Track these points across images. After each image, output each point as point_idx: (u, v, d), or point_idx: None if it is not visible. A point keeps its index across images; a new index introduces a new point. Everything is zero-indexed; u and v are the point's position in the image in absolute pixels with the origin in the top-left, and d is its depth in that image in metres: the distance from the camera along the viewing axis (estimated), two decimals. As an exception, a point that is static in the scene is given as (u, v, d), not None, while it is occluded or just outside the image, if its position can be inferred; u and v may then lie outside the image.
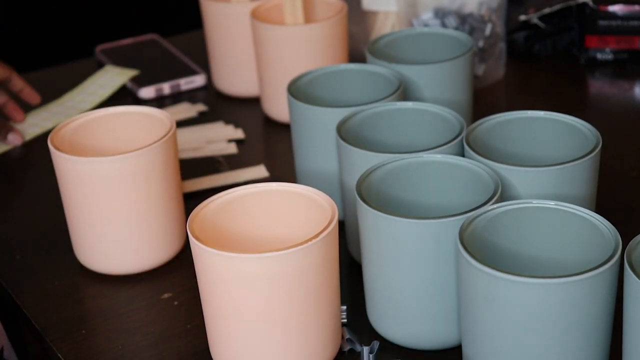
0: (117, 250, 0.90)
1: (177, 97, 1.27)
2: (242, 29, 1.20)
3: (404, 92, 0.95)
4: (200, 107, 1.23)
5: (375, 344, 0.77)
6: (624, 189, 1.00)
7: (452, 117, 0.88)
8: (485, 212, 0.74)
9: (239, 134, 1.16)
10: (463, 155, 0.83)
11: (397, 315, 0.78)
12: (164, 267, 0.92)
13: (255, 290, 0.71)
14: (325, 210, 0.76)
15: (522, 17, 1.29)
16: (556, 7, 1.28)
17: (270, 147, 1.17)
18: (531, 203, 0.74)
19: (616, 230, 0.70)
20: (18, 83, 1.21)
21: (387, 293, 0.78)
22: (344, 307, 0.82)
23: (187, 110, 1.22)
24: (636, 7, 1.24)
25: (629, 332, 0.67)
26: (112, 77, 1.29)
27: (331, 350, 0.77)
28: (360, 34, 1.28)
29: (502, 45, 1.24)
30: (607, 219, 0.72)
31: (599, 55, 1.27)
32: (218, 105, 1.25)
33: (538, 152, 0.87)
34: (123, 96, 1.27)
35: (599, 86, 1.26)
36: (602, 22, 1.25)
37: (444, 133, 0.88)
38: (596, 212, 0.73)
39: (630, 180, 1.02)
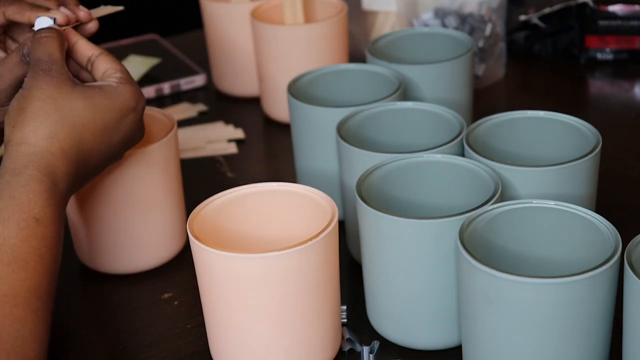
0: (117, 250, 0.90)
1: (177, 97, 1.27)
2: (242, 29, 1.20)
3: (404, 92, 0.95)
4: (200, 107, 1.23)
5: (375, 344, 0.77)
6: (624, 189, 1.00)
7: (452, 117, 0.88)
8: (485, 212, 0.74)
9: (239, 134, 1.16)
10: (463, 155, 0.83)
11: (397, 315, 0.78)
12: (164, 267, 0.92)
13: (255, 290, 0.71)
14: (325, 210, 0.76)
15: (522, 17, 1.29)
16: (556, 7, 1.28)
17: (270, 147, 1.17)
18: (531, 203, 0.74)
19: (616, 230, 0.70)
20: None
21: (387, 293, 0.78)
22: (344, 307, 0.81)
23: (187, 110, 1.22)
24: (636, 7, 1.24)
25: (629, 332, 0.67)
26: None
27: (331, 350, 0.77)
28: (360, 34, 1.28)
29: (502, 45, 1.24)
30: (607, 219, 0.72)
31: (599, 55, 1.27)
32: (218, 105, 1.25)
33: (538, 152, 0.87)
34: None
35: (599, 86, 1.26)
36: (602, 22, 1.25)
37: (444, 133, 0.88)
38: (596, 212, 0.73)
39: (630, 180, 1.02)
